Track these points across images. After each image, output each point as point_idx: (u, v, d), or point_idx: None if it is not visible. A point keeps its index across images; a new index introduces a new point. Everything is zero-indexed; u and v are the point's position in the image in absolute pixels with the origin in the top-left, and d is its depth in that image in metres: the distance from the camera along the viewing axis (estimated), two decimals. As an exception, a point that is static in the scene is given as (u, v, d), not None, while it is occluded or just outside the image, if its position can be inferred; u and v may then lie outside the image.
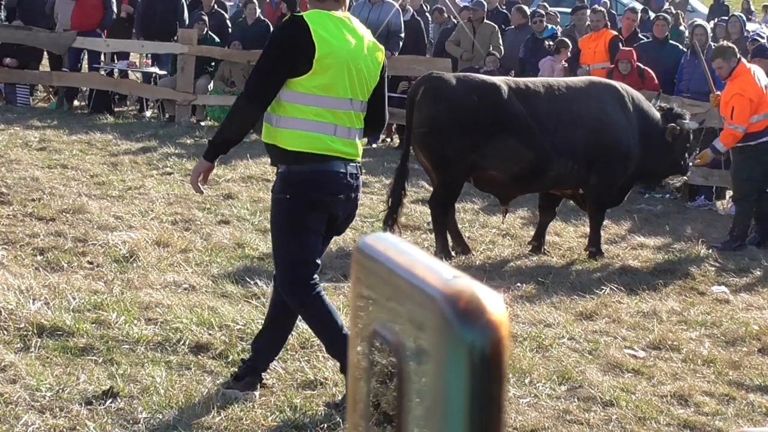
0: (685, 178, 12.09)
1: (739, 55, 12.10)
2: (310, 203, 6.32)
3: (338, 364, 6.61)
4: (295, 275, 6.43)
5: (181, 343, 7.29)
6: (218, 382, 6.72)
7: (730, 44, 12.73)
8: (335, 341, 6.42)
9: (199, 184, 6.68)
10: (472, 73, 12.02)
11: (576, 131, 10.57)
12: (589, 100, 10.78)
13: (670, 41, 16.50)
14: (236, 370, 6.76)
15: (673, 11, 22.96)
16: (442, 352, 1.22)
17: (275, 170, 6.52)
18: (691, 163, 11.98)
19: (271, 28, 18.80)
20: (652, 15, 21.96)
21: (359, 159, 6.48)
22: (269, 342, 6.69)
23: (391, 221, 10.36)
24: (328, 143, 6.28)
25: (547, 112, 10.50)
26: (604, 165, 10.71)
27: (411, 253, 1.31)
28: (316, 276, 6.46)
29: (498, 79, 10.86)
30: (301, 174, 6.31)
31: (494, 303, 1.23)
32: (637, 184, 12.32)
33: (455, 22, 19.62)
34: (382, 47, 6.68)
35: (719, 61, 12.03)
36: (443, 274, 1.25)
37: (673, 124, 11.15)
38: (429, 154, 10.53)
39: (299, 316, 6.66)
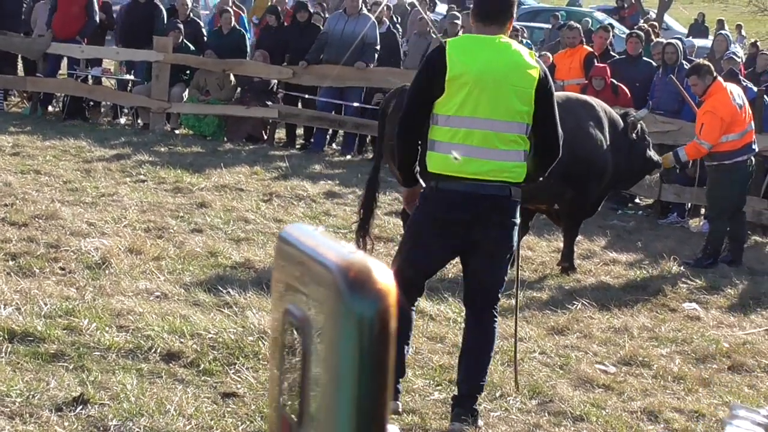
0: (659, 169, 12.03)
1: (714, 74, 12.14)
2: (431, 218, 6.50)
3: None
4: (397, 276, 6.47)
5: (153, 350, 7.28)
6: (189, 390, 6.71)
7: (705, 62, 12.78)
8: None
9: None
10: None
11: None
12: (566, 116, 10.76)
13: (644, 58, 16.59)
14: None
15: (646, 28, 23.08)
16: (336, 320, 1.29)
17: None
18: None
19: (248, 38, 18.85)
20: (618, 32, 22.11)
21: (504, 180, 6.42)
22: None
23: (362, 232, 10.32)
24: (457, 165, 6.33)
25: None
26: (580, 179, 10.70)
27: (321, 238, 1.39)
28: (416, 293, 6.73)
29: None
30: (430, 189, 6.50)
31: (383, 274, 1.30)
32: (617, 189, 12.37)
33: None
34: (536, 65, 6.50)
35: (694, 78, 12.08)
36: (342, 251, 1.33)
37: (631, 118, 11.25)
38: None
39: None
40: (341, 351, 1.32)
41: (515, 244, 6.73)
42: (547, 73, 6.62)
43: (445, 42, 6.55)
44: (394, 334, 1.34)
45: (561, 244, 11.35)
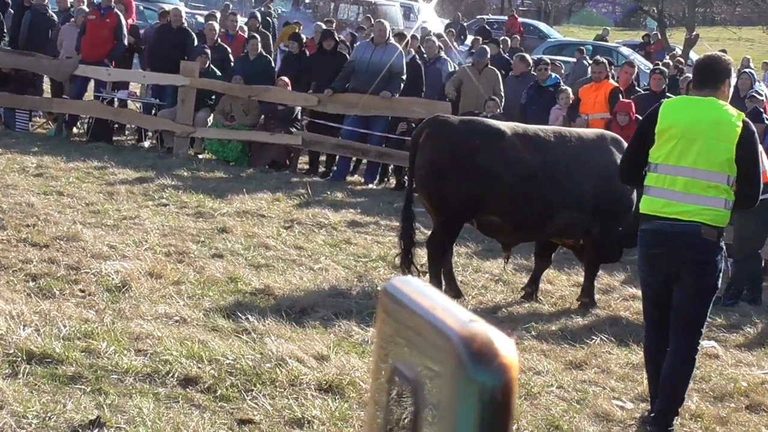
0: None
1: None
2: (643, 256, 7.51)
3: None
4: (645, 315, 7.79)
5: (170, 375, 7.28)
6: (205, 415, 6.71)
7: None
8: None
9: None
10: (478, 118, 12.01)
11: (585, 183, 10.55)
12: (599, 153, 10.73)
13: (668, 94, 16.57)
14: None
15: (672, 64, 23.09)
16: (456, 389, 1.27)
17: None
18: None
19: (272, 63, 18.95)
20: (643, 68, 22.14)
21: (697, 221, 7.21)
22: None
23: (407, 263, 10.45)
24: (660, 206, 7.28)
25: (555, 161, 10.49)
26: (608, 215, 10.71)
27: (433, 296, 1.37)
28: (659, 329, 7.54)
29: (504, 125, 10.85)
30: (641, 232, 7.53)
31: (507, 347, 1.28)
32: None
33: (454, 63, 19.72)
34: (740, 125, 7.29)
35: None
36: (461, 317, 1.31)
37: None
38: (430, 195, 10.57)
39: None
40: (460, 421, 1.30)
41: (716, 282, 7.44)
42: (754, 133, 7.37)
43: (662, 101, 7.54)
44: (515, 408, 1.33)
45: (581, 278, 11.34)
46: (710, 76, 7.45)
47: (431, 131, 10.50)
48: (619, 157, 10.74)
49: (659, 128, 7.21)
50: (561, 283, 11.71)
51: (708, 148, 7.18)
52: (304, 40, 19.84)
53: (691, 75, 17.70)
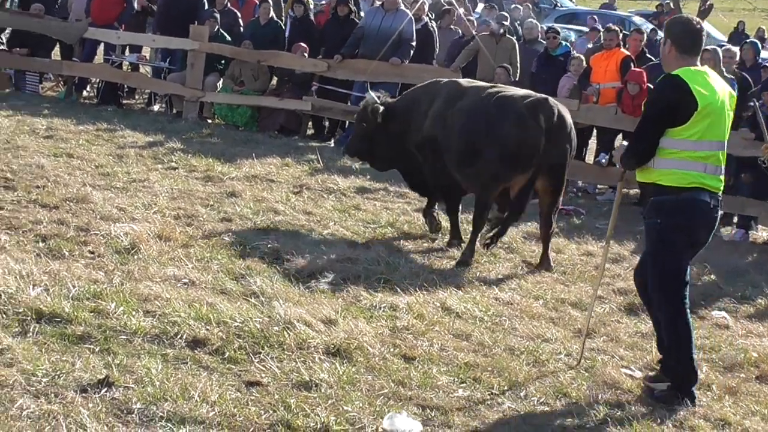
0: None
1: None
2: (677, 227, 7.28)
3: None
4: (662, 287, 7.40)
5: (179, 336, 7.29)
6: (213, 377, 6.71)
7: None
8: (674, 354, 7.47)
9: None
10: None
11: None
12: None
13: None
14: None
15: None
16: None
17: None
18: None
19: (283, 28, 18.87)
20: (660, 35, 22.01)
21: (720, 191, 7.39)
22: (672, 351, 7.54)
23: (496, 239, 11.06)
24: (698, 179, 7.23)
25: None
26: None
27: None
28: (684, 292, 7.41)
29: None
30: (671, 203, 7.25)
31: None
32: None
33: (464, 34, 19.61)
34: (734, 92, 7.63)
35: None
36: None
37: None
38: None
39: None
40: None
41: None
42: None
43: (678, 75, 7.16)
44: None
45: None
46: (699, 42, 7.40)
47: (557, 116, 10.54)
48: None
49: (701, 108, 7.11)
50: (570, 252, 11.68)
51: (727, 121, 7.36)
52: (311, 5, 19.74)
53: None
